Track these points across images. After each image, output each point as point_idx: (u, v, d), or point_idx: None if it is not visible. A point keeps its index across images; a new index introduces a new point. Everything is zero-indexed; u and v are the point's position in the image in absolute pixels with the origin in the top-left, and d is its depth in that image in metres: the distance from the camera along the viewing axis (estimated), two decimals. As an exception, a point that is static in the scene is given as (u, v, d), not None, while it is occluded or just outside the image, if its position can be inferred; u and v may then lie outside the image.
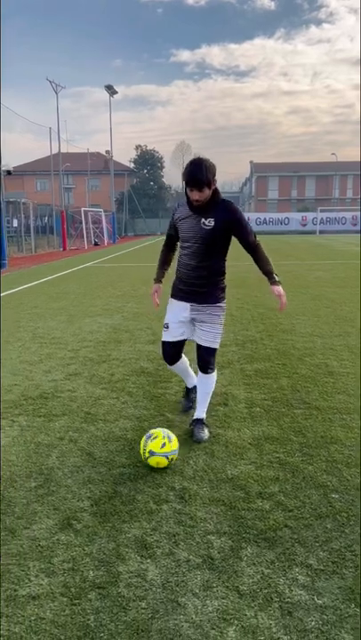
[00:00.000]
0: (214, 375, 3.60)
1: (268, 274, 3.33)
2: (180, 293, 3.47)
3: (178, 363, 3.69)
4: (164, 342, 3.61)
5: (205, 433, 3.51)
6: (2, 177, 18.44)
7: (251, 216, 52.73)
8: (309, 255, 20.96)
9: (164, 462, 3.04)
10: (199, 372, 3.58)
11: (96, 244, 35.97)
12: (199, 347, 3.49)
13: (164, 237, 3.68)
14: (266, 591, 2.07)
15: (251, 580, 2.13)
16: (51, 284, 13.00)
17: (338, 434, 3.53)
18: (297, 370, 5.01)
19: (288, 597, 2.04)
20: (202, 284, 3.38)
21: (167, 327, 3.54)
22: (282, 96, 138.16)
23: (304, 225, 50.89)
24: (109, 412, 4.02)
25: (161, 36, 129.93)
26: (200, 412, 3.62)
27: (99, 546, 2.37)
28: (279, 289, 3.29)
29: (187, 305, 3.44)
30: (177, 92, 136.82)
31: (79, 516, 2.62)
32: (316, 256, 20.47)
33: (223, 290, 3.48)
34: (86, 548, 2.35)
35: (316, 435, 3.53)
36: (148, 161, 65.93)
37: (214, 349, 3.49)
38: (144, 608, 1.99)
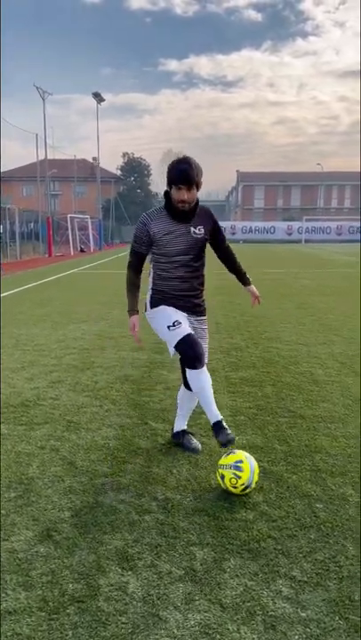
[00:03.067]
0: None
1: (244, 275, 3.39)
2: (175, 305, 3.15)
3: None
4: (187, 336, 2.98)
5: (196, 442, 3.47)
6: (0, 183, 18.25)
7: (237, 225, 53.00)
8: (295, 264, 21.10)
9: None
10: (183, 389, 3.40)
11: (82, 251, 35.84)
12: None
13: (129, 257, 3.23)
14: (249, 604, 2.03)
15: (234, 593, 2.09)
16: (35, 290, 12.89)
17: (322, 443, 3.51)
18: (282, 378, 4.99)
19: (272, 610, 2.00)
20: (195, 296, 3.19)
21: (178, 323, 3.02)
22: (269, 106, 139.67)
23: (290, 234, 51.24)
24: (92, 420, 3.96)
25: (149, 45, 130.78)
26: (184, 423, 3.52)
27: (79, 558, 2.31)
28: (254, 288, 3.41)
29: (185, 315, 3.15)
30: (164, 100, 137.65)
31: (59, 527, 2.56)
32: (301, 265, 20.60)
33: (205, 300, 3.32)
34: (66, 561, 2.30)
35: (301, 443, 3.51)
36: (135, 168, 65.99)
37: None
38: (124, 623, 1.94)
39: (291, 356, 5.82)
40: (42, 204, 38.24)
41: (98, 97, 39.67)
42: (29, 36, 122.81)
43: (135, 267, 3.21)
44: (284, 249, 35.26)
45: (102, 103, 40.81)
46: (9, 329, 7.58)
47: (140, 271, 3.23)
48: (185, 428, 3.53)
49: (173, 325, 3.01)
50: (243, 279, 3.39)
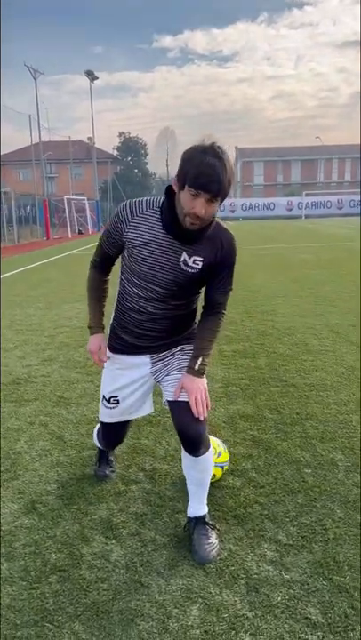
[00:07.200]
0: (209, 454, 2.16)
1: (199, 351, 2.12)
2: (131, 348, 2.24)
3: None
4: (108, 425, 2.42)
5: (214, 542, 2.10)
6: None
7: (236, 202, 52.51)
8: (295, 238, 20.90)
9: (218, 473, 2.57)
10: (185, 454, 2.13)
11: (80, 233, 35.64)
12: (181, 411, 2.07)
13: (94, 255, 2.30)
14: (233, 568, 2.01)
15: (218, 558, 2.07)
16: (32, 272, 12.82)
17: (313, 410, 3.48)
18: (275, 349, 4.95)
19: (255, 574, 1.98)
20: (167, 336, 2.20)
21: (116, 402, 2.30)
22: (266, 80, 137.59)
23: (290, 209, 50.70)
24: (83, 395, 3.93)
25: (142, 21, 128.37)
26: (198, 506, 2.20)
27: (62, 529, 2.30)
28: (193, 383, 2.04)
29: (146, 358, 2.24)
30: (160, 77, 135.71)
31: (44, 499, 2.54)
32: (301, 239, 20.41)
33: (194, 327, 2.30)
34: (49, 531, 2.28)
35: (292, 411, 3.47)
36: (131, 148, 65.30)
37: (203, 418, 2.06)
38: (106, 590, 1.92)
39: (285, 328, 5.76)
40: (38, 187, 37.92)
41: (90, 75, 38.95)
42: (17, 14, 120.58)
43: (100, 267, 2.34)
44: (285, 225, 34.95)
45: (96, 82, 40.12)
46: (3, 310, 7.53)
47: (107, 273, 2.39)
48: (197, 514, 2.20)
49: (109, 402, 2.33)
50: (195, 353, 2.11)
